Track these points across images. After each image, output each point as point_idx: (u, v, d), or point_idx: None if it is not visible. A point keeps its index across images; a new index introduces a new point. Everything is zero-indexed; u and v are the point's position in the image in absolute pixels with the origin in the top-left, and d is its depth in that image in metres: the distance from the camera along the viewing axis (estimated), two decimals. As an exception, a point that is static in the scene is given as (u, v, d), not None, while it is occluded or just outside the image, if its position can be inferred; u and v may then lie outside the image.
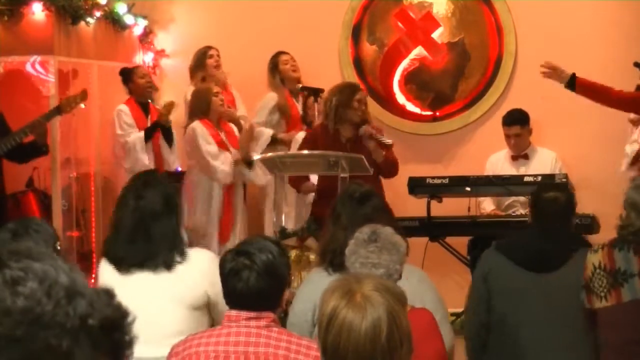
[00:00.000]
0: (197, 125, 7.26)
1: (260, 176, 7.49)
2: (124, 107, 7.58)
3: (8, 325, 1.19)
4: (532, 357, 4.48)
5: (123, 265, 4.02)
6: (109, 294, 1.30)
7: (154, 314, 3.88)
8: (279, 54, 7.84)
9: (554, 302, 4.47)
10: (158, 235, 3.99)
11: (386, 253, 3.52)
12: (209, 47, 7.86)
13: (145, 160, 7.45)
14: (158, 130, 7.52)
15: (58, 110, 7.00)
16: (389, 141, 6.66)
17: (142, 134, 7.48)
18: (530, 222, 4.76)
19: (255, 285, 3.18)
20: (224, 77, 7.83)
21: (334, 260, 4.15)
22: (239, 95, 7.99)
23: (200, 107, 7.30)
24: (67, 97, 7.18)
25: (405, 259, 3.65)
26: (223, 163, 7.25)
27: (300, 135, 7.45)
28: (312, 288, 3.55)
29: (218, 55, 7.84)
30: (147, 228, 3.99)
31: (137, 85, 7.62)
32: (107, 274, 4.05)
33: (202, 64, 7.79)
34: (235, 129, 7.56)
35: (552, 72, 6.48)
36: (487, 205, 7.56)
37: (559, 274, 4.46)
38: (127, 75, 7.67)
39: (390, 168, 6.69)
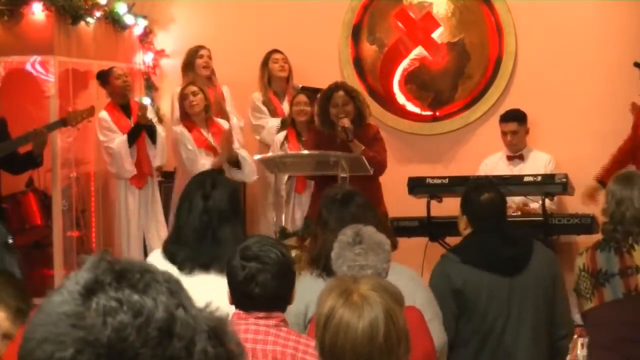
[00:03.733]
0: (178, 129, 7.36)
1: (248, 174, 7.48)
2: (103, 114, 7.52)
3: (88, 355, 1.12)
4: (515, 356, 4.51)
5: (186, 265, 3.92)
6: (219, 334, 1.19)
7: None
8: (272, 52, 7.85)
9: (525, 300, 4.50)
10: (225, 237, 3.92)
11: (372, 254, 3.52)
12: (200, 47, 7.85)
13: (128, 166, 7.45)
14: (142, 132, 7.50)
15: (63, 123, 7.01)
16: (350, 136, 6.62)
17: (125, 137, 7.47)
18: (469, 226, 4.68)
19: (272, 287, 3.18)
20: (208, 74, 7.81)
21: (327, 264, 4.15)
22: (229, 92, 7.97)
23: (181, 110, 7.37)
24: (74, 110, 7.20)
25: (391, 256, 3.65)
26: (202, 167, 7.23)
27: (281, 135, 7.46)
28: (302, 291, 3.55)
29: (209, 57, 7.83)
30: (215, 230, 3.93)
31: (114, 87, 7.56)
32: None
33: (191, 64, 7.81)
34: (223, 122, 7.56)
35: (591, 197, 6.81)
36: None
37: (526, 274, 4.50)
38: (104, 77, 7.60)
39: (370, 164, 6.57)
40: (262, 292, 3.17)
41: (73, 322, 1.13)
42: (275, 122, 7.69)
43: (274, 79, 7.81)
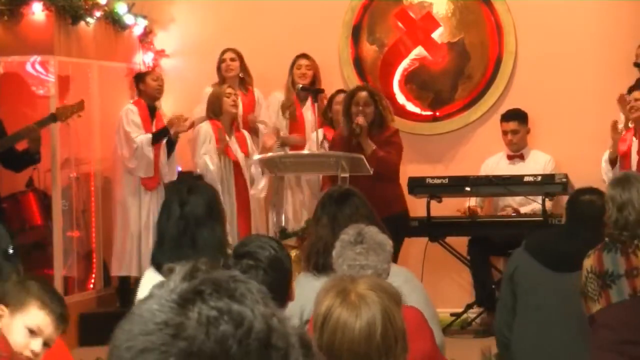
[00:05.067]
0: (204, 125, 7.30)
1: (259, 190, 7.47)
2: (132, 107, 7.55)
3: None
4: (552, 355, 4.52)
5: (167, 273, 3.96)
6: (308, 345, 1.18)
7: None
8: (299, 57, 7.78)
9: (572, 301, 4.51)
10: (203, 242, 3.95)
11: (373, 254, 3.53)
12: (225, 50, 7.82)
13: (151, 163, 7.43)
14: (165, 138, 7.48)
15: (53, 118, 6.99)
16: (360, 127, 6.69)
17: (149, 136, 7.46)
18: (564, 222, 4.81)
19: (264, 283, 3.18)
20: (231, 76, 7.78)
21: (318, 261, 4.16)
22: (263, 99, 7.95)
23: (212, 108, 7.32)
24: (63, 106, 7.17)
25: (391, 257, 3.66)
26: (210, 162, 7.21)
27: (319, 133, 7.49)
28: (298, 293, 3.56)
29: (231, 59, 7.78)
30: (193, 235, 3.96)
31: (148, 87, 7.59)
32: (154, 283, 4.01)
33: (218, 68, 7.80)
34: (247, 135, 7.52)
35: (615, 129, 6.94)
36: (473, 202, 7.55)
37: (575, 275, 4.49)
38: (140, 76, 7.68)
39: (378, 164, 6.63)
40: None
41: (174, 333, 1.10)
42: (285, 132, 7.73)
43: (296, 83, 7.76)
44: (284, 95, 7.80)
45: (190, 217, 3.98)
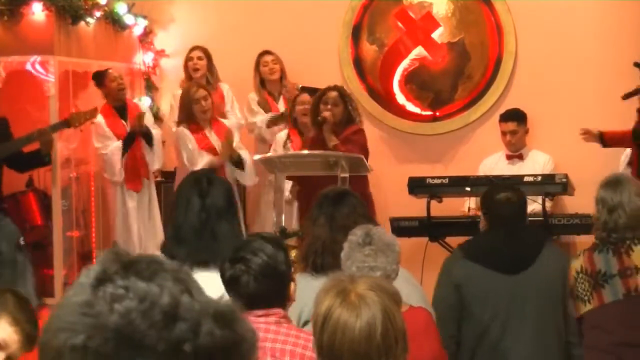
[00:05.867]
0: (180, 130, 7.36)
1: (246, 176, 7.49)
2: (99, 119, 7.51)
3: (98, 340, 1.19)
4: (512, 356, 4.49)
5: (186, 263, 3.96)
6: (227, 318, 1.25)
7: None
8: (262, 54, 7.88)
9: (527, 300, 4.48)
10: (223, 233, 3.94)
11: (382, 255, 3.53)
12: (192, 49, 7.85)
13: (117, 171, 7.47)
14: (136, 138, 7.50)
15: (67, 124, 7.02)
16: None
17: (120, 144, 7.48)
18: (487, 225, 4.71)
19: (255, 289, 3.20)
20: (197, 77, 7.79)
21: (315, 260, 4.16)
22: (230, 91, 7.98)
23: (184, 114, 7.36)
24: (77, 112, 7.21)
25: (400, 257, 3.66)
26: (200, 165, 7.25)
27: (283, 134, 7.51)
28: (297, 292, 3.56)
29: (199, 58, 7.81)
30: (213, 227, 3.95)
31: (109, 89, 7.59)
32: None
33: (186, 65, 7.84)
34: (225, 122, 7.57)
35: (589, 136, 6.99)
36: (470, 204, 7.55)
37: (529, 273, 4.48)
38: (99, 79, 7.63)
39: None
40: (246, 294, 3.19)
41: (84, 311, 1.21)
42: (264, 117, 7.76)
43: (266, 81, 7.86)
44: (257, 95, 7.85)
45: (211, 209, 3.96)
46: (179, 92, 7.67)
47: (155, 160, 7.62)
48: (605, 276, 4.26)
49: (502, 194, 4.64)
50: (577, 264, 4.34)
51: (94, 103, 7.65)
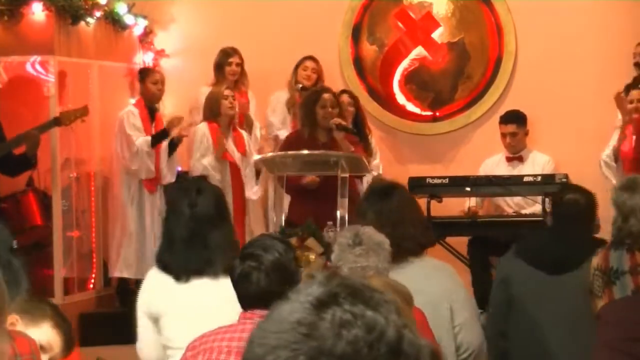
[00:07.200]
0: (202, 127, 7.32)
1: (253, 193, 7.49)
2: (133, 109, 7.55)
3: None
4: (552, 358, 4.52)
5: (181, 274, 3.98)
6: (437, 358, 1.23)
7: (220, 320, 3.78)
8: (305, 58, 7.78)
9: (569, 303, 4.50)
10: (215, 242, 3.97)
11: (373, 254, 3.53)
12: (232, 53, 7.77)
13: (151, 166, 7.45)
14: (165, 139, 7.48)
15: (56, 122, 6.99)
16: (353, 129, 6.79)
17: (149, 138, 7.47)
18: (550, 223, 4.78)
19: (266, 286, 3.19)
20: (234, 80, 7.78)
21: None
22: (254, 98, 7.96)
23: (209, 110, 7.33)
24: (67, 110, 7.17)
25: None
26: (204, 162, 7.24)
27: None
28: None
29: (237, 64, 7.76)
30: (204, 236, 3.97)
31: (147, 90, 7.61)
32: (160, 284, 4.02)
33: (222, 67, 7.78)
34: (245, 134, 7.54)
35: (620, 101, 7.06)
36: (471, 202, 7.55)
37: (573, 276, 4.48)
38: (143, 76, 7.68)
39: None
40: (257, 290, 3.19)
41: (306, 332, 1.15)
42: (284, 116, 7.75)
43: (298, 83, 7.76)
44: (288, 94, 7.81)
45: (200, 218, 3.98)
46: (206, 89, 7.62)
47: (169, 174, 7.56)
48: (616, 273, 4.27)
49: (570, 194, 4.67)
50: (595, 261, 4.36)
51: (94, 103, 7.65)
